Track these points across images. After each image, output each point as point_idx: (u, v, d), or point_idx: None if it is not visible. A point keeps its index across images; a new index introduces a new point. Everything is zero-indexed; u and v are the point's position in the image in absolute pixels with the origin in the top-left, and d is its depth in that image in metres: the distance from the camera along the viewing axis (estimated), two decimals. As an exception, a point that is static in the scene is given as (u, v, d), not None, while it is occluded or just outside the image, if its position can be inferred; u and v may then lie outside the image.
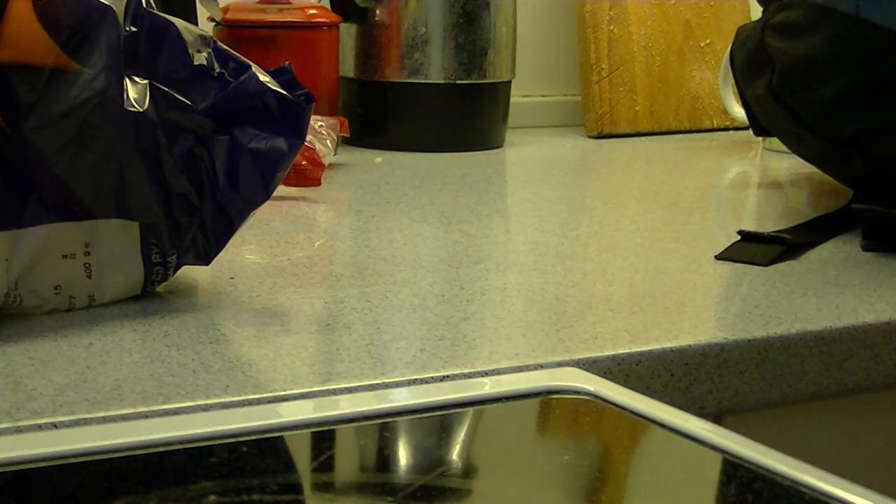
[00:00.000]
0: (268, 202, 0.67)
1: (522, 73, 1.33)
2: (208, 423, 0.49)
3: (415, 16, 1.18)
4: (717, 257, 0.80)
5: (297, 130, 0.66)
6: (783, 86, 0.93)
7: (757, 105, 0.98)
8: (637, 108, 1.37)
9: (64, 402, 0.52)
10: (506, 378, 0.56)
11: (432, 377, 0.57)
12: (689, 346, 0.63)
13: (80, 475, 0.45)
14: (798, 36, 0.92)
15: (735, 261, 0.79)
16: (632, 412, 0.52)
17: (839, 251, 0.84)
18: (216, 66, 0.66)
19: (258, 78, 0.66)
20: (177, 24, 0.66)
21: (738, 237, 0.83)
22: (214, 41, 0.67)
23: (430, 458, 0.49)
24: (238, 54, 0.67)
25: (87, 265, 0.64)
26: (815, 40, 0.91)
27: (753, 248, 0.81)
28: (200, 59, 0.65)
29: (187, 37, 0.66)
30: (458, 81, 1.19)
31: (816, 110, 0.92)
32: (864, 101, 0.89)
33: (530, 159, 1.22)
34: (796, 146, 0.98)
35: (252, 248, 0.79)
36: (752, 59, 0.97)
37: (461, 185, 1.05)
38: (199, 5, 1.03)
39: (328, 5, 1.21)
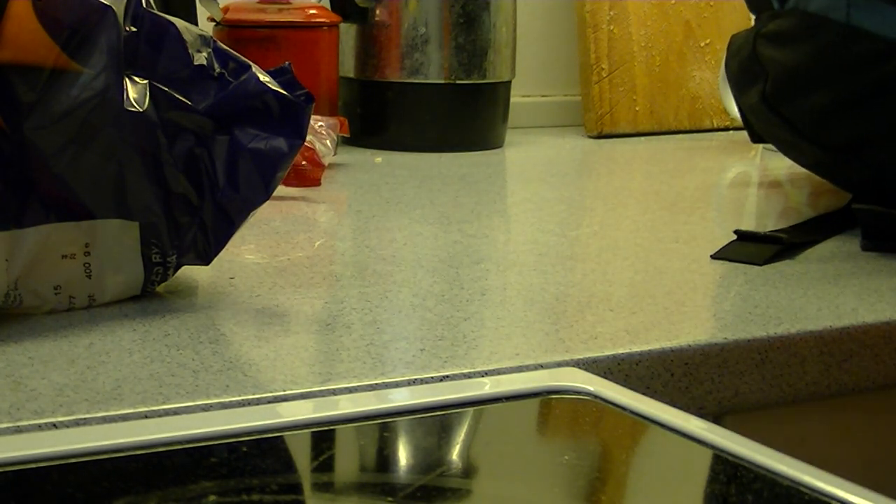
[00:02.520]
0: (268, 202, 0.67)
1: (522, 73, 1.33)
2: (208, 423, 0.49)
3: (415, 16, 1.18)
4: (713, 256, 0.80)
5: (298, 130, 0.66)
6: (776, 94, 0.93)
7: (751, 113, 0.99)
8: (637, 108, 1.37)
9: (64, 402, 0.52)
10: (506, 378, 0.56)
11: (432, 377, 0.56)
12: (689, 346, 0.63)
13: (80, 475, 0.45)
14: (790, 44, 0.92)
15: (730, 260, 0.79)
16: (632, 412, 0.52)
17: (839, 251, 0.84)
18: (216, 66, 0.66)
19: (258, 78, 0.66)
20: (177, 24, 0.66)
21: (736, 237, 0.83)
22: (214, 41, 0.67)
23: (430, 458, 0.49)
24: (238, 54, 0.67)
25: (86, 265, 0.64)
26: (806, 48, 0.91)
27: (749, 248, 0.81)
28: (200, 59, 0.65)
29: (187, 37, 0.66)
30: (458, 81, 1.19)
31: (810, 118, 0.92)
32: (858, 108, 0.90)
33: (530, 159, 1.22)
34: (793, 153, 0.99)
35: (252, 248, 0.79)
36: (745, 68, 0.97)
37: (461, 185, 1.05)
38: (199, 5, 1.03)
39: (328, 5, 1.21)
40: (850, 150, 0.91)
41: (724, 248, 0.81)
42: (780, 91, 0.93)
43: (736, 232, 0.83)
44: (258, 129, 0.66)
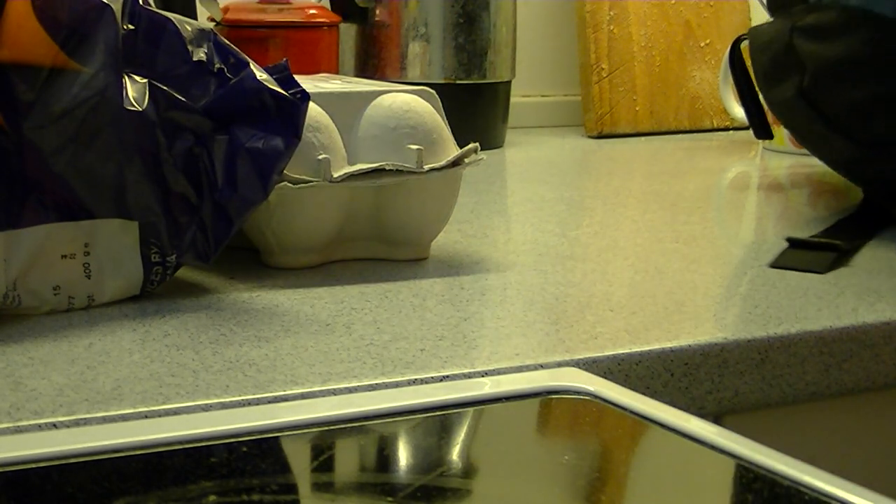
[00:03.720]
0: (268, 202, 0.67)
1: (522, 73, 1.33)
2: (208, 423, 0.49)
3: (415, 16, 1.18)
4: (772, 266, 0.78)
5: (294, 129, 0.66)
6: (815, 88, 0.92)
7: (783, 108, 0.97)
8: (637, 108, 1.37)
9: (64, 402, 0.52)
10: (506, 378, 0.56)
11: (432, 377, 0.56)
12: (689, 346, 0.63)
13: (80, 475, 0.45)
14: (831, 38, 0.91)
15: (791, 269, 0.77)
16: (632, 412, 0.52)
17: (839, 251, 0.84)
18: (216, 61, 0.66)
19: (255, 76, 0.66)
20: (174, 20, 0.66)
21: (786, 243, 0.82)
22: (214, 34, 0.67)
23: (430, 458, 0.49)
24: (237, 49, 0.67)
25: (86, 265, 0.64)
26: (850, 42, 0.90)
27: (807, 256, 0.79)
28: (199, 54, 0.65)
29: (186, 33, 0.66)
30: (458, 81, 1.19)
31: (848, 112, 0.91)
32: None
33: (530, 159, 1.22)
34: (823, 149, 0.97)
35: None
36: (778, 62, 0.95)
37: (461, 184, 1.05)
38: (199, 5, 1.03)
39: (328, 5, 1.21)
40: (887, 145, 0.90)
41: (779, 256, 0.80)
42: (819, 85, 0.92)
43: (788, 239, 0.82)
44: (255, 127, 0.66)
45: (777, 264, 0.79)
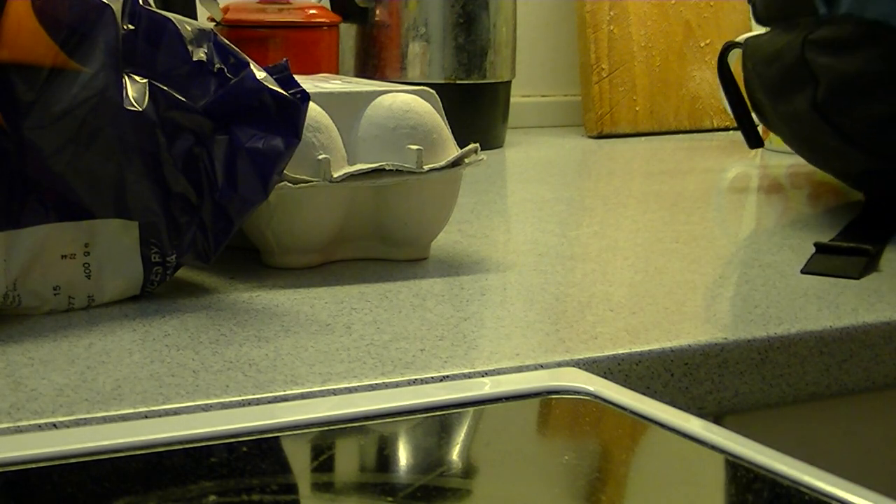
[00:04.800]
0: (268, 202, 0.67)
1: (522, 73, 1.33)
2: (208, 423, 0.49)
3: (415, 16, 1.18)
4: (803, 271, 0.77)
5: (294, 129, 0.66)
6: (830, 102, 0.90)
7: (793, 121, 0.95)
8: (637, 108, 1.37)
9: (64, 402, 0.52)
10: (506, 378, 0.56)
11: (432, 377, 0.56)
12: (689, 346, 0.63)
13: (80, 475, 0.45)
14: (846, 52, 0.89)
15: (824, 275, 0.76)
16: (632, 412, 0.52)
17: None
18: (216, 61, 0.66)
19: (255, 76, 0.66)
20: (174, 20, 0.66)
21: (814, 248, 0.81)
22: (215, 34, 0.67)
23: (430, 458, 0.49)
24: (238, 50, 0.67)
25: (86, 265, 0.64)
26: (866, 56, 0.88)
27: (837, 261, 0.78)
28: (199, 54, 0.65)
29: (186, 33, 0.66)
30: (458, 81, 1.19)
31: (867, 127, 0.90)
32: None
33: (530, 159, 1.22)
34: (835, 163, 0.96)
35: (252, 248, 0.79)
36: (789, 75, 0.94)
37: (461, 184, 1.05)
38: (199, 5, 1.03)
39: (328, 5, 1.21)
40: None
41: (810, 262, 0.79)
42: (835, 98, 0.90)
43: (816, 245, 0.81)
44: (255, 128, 0.66)
45: (808, 270, 0.78)
